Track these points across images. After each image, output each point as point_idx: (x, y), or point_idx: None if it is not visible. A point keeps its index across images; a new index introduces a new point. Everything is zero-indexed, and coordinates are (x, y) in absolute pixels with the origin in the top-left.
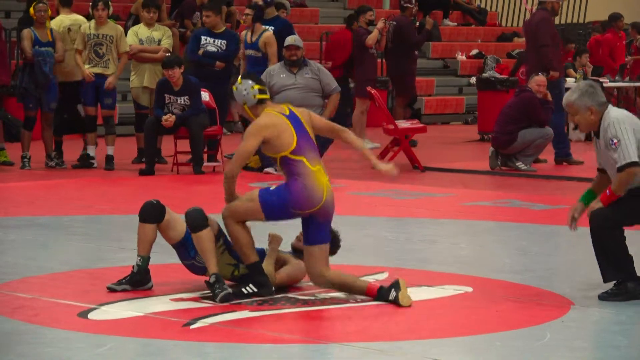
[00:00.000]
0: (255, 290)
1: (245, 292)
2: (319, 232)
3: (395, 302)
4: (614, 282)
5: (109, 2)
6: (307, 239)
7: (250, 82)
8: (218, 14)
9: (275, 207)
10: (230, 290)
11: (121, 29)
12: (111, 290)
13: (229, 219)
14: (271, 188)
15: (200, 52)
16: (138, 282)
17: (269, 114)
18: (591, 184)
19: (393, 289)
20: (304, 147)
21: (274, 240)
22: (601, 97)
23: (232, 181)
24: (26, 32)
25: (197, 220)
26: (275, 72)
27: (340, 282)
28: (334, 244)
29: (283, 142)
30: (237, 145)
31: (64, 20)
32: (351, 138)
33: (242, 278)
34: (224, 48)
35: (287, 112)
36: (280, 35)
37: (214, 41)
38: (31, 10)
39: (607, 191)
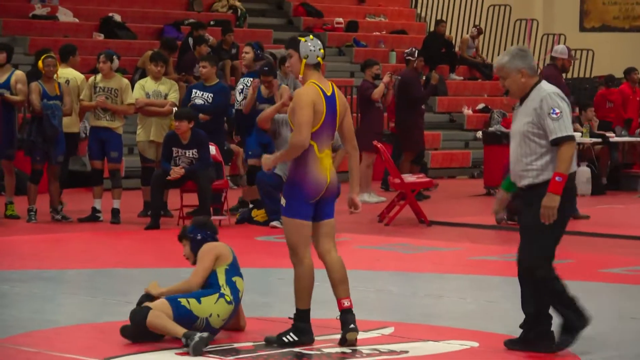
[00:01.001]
0: (296, 339)
1: (287, 340)
2: (324, 208)
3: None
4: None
5: (113, 56)
6: (315, 216)
7: (320, 43)
8: (214, 65)
9: (301, 210)
10: (202, 335)
11: (127, 81)
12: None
13: (296, 260)
14: (283, 203)
15: (189, 104)
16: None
17: (315, 89)
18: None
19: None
20: (323, 132)
21: (151, 289)
22: (532, 62)
23: (300, 151)
24: (34, 86)
25: (137, 320)
26: (285, 122)
27: (333, 272)
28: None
29: (317, 120)
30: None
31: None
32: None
33: (236, 299)
34: (209, 101)
35: (329, 93)
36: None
37: (202, 94)
38: (39, 63)
39: (557, 177)
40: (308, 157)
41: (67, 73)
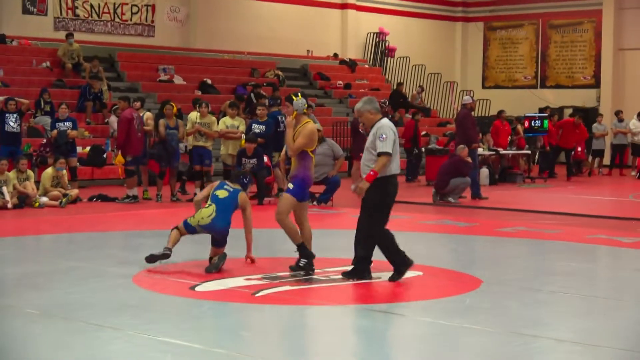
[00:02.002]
0: (306, 261)
1: (302, 264)
2: (306, 196)
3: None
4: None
5: (209, 104)
6: (302, 199)
7: (304, 100)
8: (265, 109)
9: (299, 193)
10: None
11: (214, 118)
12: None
13: (282, 218)
14: (290, 187)
15: (251, 133)
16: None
17: (314, 125)
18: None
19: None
20: (316, 149)
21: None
22: (376, 104)
23: (294, 155)
24: (161, 121)
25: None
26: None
27: (305, 234)
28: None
29: (314, 144)
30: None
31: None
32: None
33: (214, 200)
34: (264, 130)
35: None
36: (275, 125)
37: (258, 126)
38: (164, 109)
39: (371, 172)
40: (308, 162)
41: (192, 115)
